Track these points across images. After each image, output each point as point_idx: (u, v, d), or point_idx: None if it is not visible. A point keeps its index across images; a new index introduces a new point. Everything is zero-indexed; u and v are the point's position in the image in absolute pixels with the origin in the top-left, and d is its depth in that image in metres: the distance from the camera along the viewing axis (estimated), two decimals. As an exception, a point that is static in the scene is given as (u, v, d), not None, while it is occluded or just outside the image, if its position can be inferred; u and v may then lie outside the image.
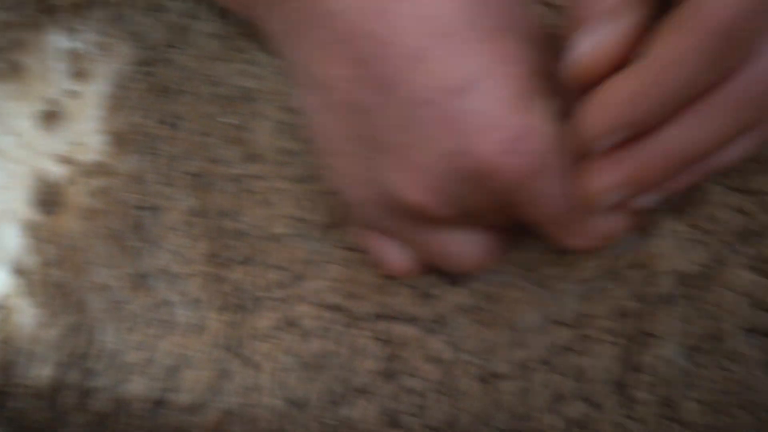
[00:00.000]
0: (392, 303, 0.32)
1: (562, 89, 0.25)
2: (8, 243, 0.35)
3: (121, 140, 0.36)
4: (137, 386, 0.33)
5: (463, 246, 0.28)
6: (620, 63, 0.22)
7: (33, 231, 0.35)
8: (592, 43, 0.23)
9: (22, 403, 0.34)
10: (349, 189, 0.28)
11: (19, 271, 0.34)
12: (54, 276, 0.35)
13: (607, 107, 0.22)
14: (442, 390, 0.31)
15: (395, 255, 0.30)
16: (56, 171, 0.36)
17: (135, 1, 0.39)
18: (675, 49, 0.21)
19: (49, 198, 0.36)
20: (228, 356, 0.33)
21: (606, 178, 0.24)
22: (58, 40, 0.38)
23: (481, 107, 0.24)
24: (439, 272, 0.31)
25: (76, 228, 0.35)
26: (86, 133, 0.36)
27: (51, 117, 0.37)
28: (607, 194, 0.24)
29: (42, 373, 0.34)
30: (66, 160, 0.36)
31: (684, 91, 0.21)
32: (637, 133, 0.23)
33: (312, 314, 0.33)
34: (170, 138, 0.36)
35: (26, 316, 0.34)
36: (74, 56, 0.38)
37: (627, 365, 0.31)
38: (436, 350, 0.31)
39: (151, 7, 0.39)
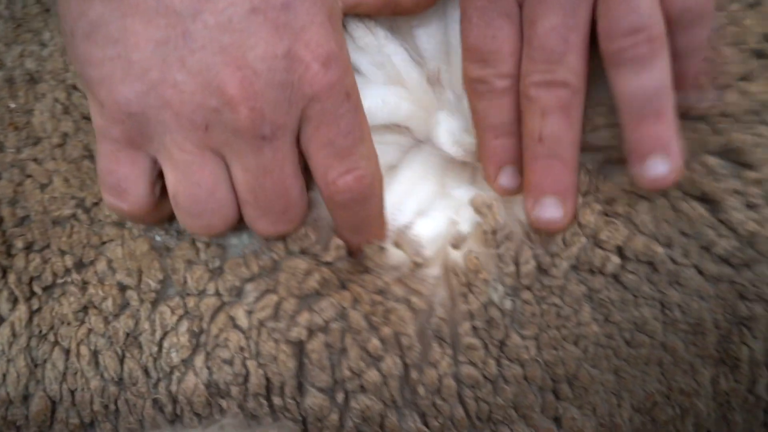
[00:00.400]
0: (181, 278, 0.34)
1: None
2: None
3: None
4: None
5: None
6: None
7: None
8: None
9: None
10: (162, 96, 0.30)
11: None
12: None
13: None
14: (251, 356, 0.33)
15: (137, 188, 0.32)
16: None
17: None
18: None
19: None
20: (40, 344, 0.34)
21: None
22: None
23: (303, 23, 0.30)
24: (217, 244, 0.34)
25: None
26: None
27: None
28: None
29: None
30: None
31: None
32: None
33: (108, 295, 0.33)
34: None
35: None
36: None
37: (455, 311, 0.34)
38: (239, 319, 0.33)
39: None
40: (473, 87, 0.34)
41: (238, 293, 0.34)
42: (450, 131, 0.36)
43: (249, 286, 0.34)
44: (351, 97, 0.31)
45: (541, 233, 0.34)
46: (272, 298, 0.33)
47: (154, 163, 0.32)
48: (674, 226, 0.34)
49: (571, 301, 0.33)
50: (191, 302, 0.33)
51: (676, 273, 0.34)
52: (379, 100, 0.34)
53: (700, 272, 0.34)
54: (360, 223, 0.33)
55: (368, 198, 0.33)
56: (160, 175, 0.32)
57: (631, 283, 0.34)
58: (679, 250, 0.34)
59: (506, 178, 0.34)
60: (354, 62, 0.35)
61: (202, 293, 0.34)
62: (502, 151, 0.34)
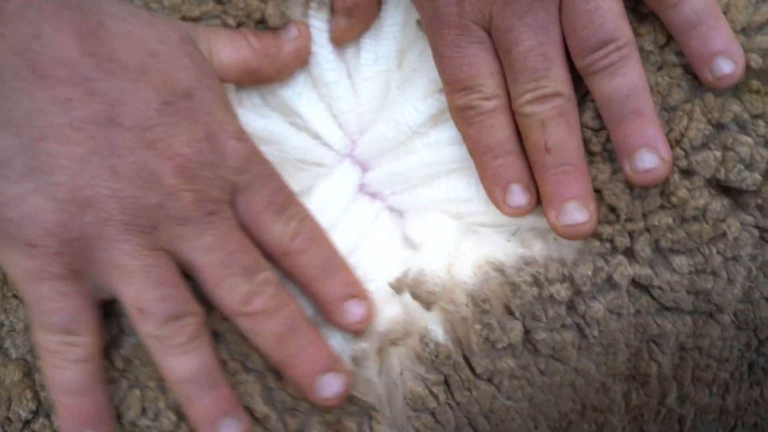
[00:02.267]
0: None
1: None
2: None
3: None
4: None
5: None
6: None
7: None
8: None
9: None
10: (101, 211, 0.30)
11: None
12: None
13: None
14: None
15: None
16: None
17: None
18: None
19: None
20: None
21: None
22: None
23: (208, 107, 0.32)
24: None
25: None
26: None
27: None
28: None
29: None
30: None
31: None
32: None
33: None
34: None
35: None
36: None
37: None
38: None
39: None
40: (462, 115, 0.34)
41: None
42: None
43: None
44: (268, 161, 0.34)
45: (569, 239, 0.34)
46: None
47: (98, 289, 0.31)
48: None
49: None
50: None
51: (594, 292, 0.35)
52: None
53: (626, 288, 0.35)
54: (326, 263, 0.34)
55: (319, 236, 0.34)
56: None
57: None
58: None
59: (515, 197, 0.34)
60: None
61: None
62: (504, 171, 0.34)
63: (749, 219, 0.35)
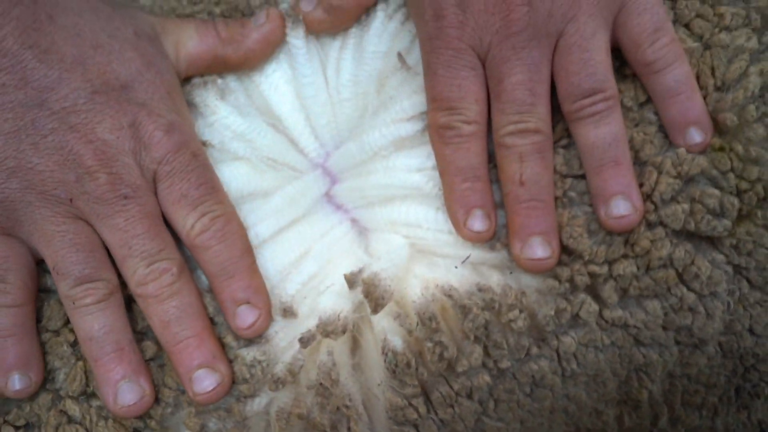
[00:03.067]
0: None
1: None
2: None
3: None
4: None
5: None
6: None
7: None
8: None
9: None
10: (23, 180, 0.34)
11: None
12: None
13: None
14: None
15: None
16: None
17: None
18: None
19: None
20: None
21: None
22: None
23: (144, 99, 0.36)
24: None
25: None
26: None
27: None
28: None
29: None
30: None
31: None
32: None
33: None
34: None
35: None
36: None
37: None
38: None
39: None
40: (440, 133, 0.36)
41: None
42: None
43: None
44: (198, 157, 0.37)
45: (529, 272, 0.36)
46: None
47: (29, 248, 0.35)
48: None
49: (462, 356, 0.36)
50: None
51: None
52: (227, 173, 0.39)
53: (596, 323, 0.37)
54: (228, 264, 0.36)
55: (227, 235, 0.36)
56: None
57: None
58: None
59: (476, 222, 0.35)
60: (208, 137, 0.40)
61: None
62: (470, 195, 0.35)
63: (721, 257, 0.37)
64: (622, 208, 0.35)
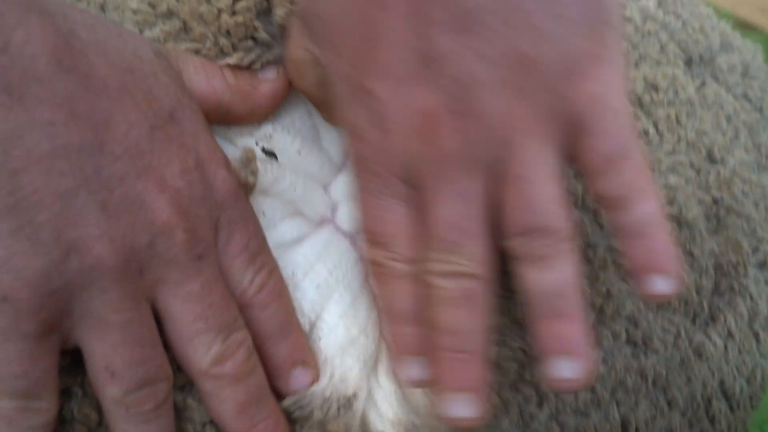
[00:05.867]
0: None
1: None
2: None
3: None
4: None
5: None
6: None
7: None
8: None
9: None
10: (88, 256, 0.26)
11: None
12: None
13: None
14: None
15: None
16: None
17: None
18: None
19: None
20: None
21: None
22: None
23: (194, 130, 0.30)
24: None
25: None
26: None
27: None
28: None
29: None
30: None
31: None
32: None
33: None
34: None
35: None
36: None
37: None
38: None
39: None
40: (374, 270, 0.32)
41: None
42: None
43: None
44: (248, 198, 0.31)
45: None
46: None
47: (65, 343, 0.27)
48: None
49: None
50: None
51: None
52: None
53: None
54: (285, 323, 0.31)
55: (283, 292, 0.31)
56: None
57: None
58: None
59: (410, 370, 0.31)
60: None
61: None
62: (409, 341, 0.31)
63: None
64: (563, 370, 0.29)
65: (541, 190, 0.28)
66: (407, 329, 0.31)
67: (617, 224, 0.29)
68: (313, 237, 0.35)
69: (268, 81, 0.34)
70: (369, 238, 0.31)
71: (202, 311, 0.28)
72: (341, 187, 0.36)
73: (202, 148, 0.30)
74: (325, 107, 0.34)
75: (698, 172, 0.37)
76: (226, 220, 0.30)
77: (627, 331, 0.35)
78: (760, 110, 0.40)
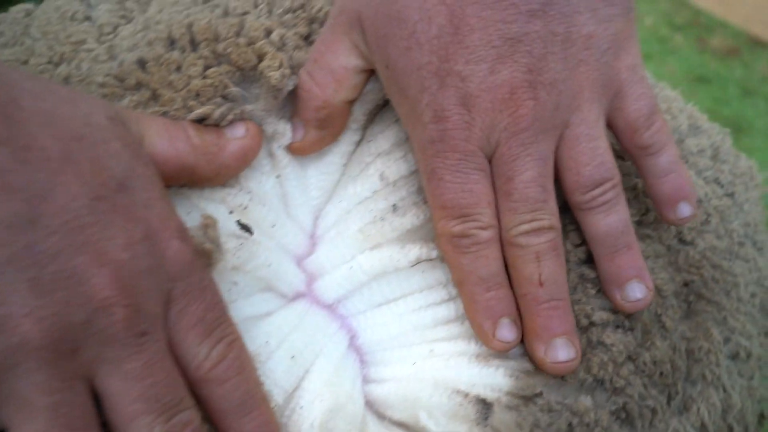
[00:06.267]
0: None
1: None
2: None
3: None
4: None
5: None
6: None
7: None
8: None
9: None
10: (16, 336, 0.25)
11: None
12: None
13: None
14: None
15: None
16: None
17: None
18: None
19: None
20: None
21: None
22: None
23: (146, 200, 0.29)
24: None
25: None
26: None
27: None
28: None
29: None
30: None
31: None
32: None
33: None
34: None
35: None
36: None
37: None
38: None
39: None
40: (456, 243, 0.33)
41: None
42: None
43: None
44: (205, 267, 0.30)
45: (555, 375, 0.33)
46: None
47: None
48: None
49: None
50: None
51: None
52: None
53: None
54: (247, 398, 0.30)
55: (245, 365, 0.30)
56: None
57: None
58: None
59: (505, 332, 0.33)
60: None
61: None
62: (496, 304, 0.33)
63: None
64: (638, 291, 0.34)
65: (603, 146, 0.34)
66: (494, 293, 0.33)
67: (649, 168, 0.35)
68: (286, 310, 0.34)
69: (237, 139, 0.34)
70: (452, 213, 0.33)
71: (142, 391, 0.27)
72: (319, 260, 0.36)
73: (154, 218, 0.29)
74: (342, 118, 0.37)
75: (668, 248, 0.36)
76: (180, 291, 0.29)
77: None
78: (732, 195, 0.39)
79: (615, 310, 0.34)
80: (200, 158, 0.33)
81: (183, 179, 0.33)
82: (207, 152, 0.33)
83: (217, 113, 0.33)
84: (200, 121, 0.33)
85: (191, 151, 0.32)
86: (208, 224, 0.31)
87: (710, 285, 0.36)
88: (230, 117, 0.33)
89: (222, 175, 0.34)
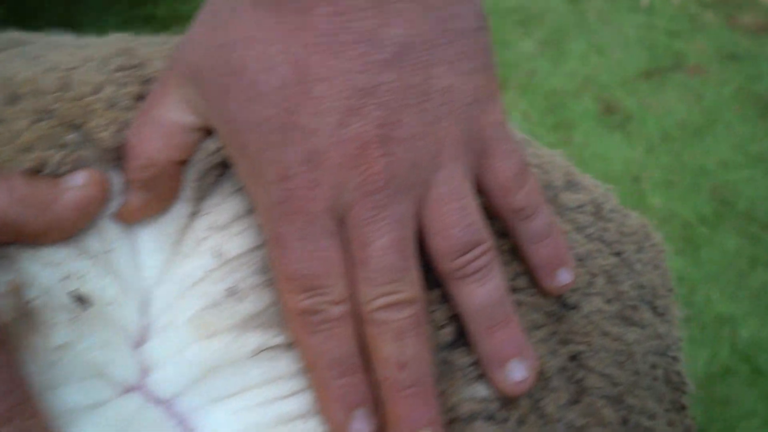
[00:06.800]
0: None
1: None
2: None
3: None
4: None
5: None
6: None
7: None
8: None
9: None
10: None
11: None
12: None
13: None
14: None
15: None
16: None
17: None
18: None
19: None
20: None
21: None
22: None
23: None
24: None
25: None
26: None
27: None
28: None
29: None
30: None
31: None
32: None
33: None
34: None
35: None
36: None
37: None
38: None
39: None
40: (304, 320, 0.30)
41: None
42: None
43: None
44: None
45: None
46: None
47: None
48: None
49: None
50: None
51: None
52: None
53: None
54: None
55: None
56: None
57: None
58: None
59: (361, 425, 0.30)
60: None
61: None
62: (351, 392, 0.30)
63: None
64: (519, 372, 0.31)
65: (472, 205, 0.31)
66: (348, 379, 0.30)
67: (523, 233, 0.32)
68: (113, 406, 0.30)
69: (75, 188, 0.30)
70: (299, 286, 0.30)
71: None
72: (152, 350, 0.31)
73: None
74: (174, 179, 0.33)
75: (548, 315, 0.32)
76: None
77: None
78: (619, 255, 0.35)
79: (484, 399, 0.30)
80: (27, 211, 0.29)
81: (8, 237, 0.29)
82: (36, 203, 0.29)
83: (54, 160, 0.29)
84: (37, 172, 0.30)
85: (12, 204, 0.29)
86: (14, 289, 0.28)
87: (601, 355, 0.31)
88: (68, 164, 0.30)
89: (56, 230, 0.30)
